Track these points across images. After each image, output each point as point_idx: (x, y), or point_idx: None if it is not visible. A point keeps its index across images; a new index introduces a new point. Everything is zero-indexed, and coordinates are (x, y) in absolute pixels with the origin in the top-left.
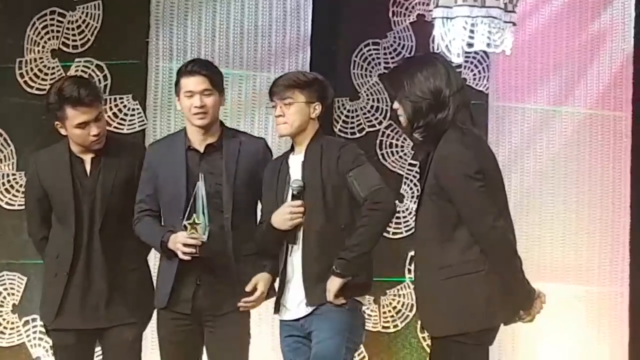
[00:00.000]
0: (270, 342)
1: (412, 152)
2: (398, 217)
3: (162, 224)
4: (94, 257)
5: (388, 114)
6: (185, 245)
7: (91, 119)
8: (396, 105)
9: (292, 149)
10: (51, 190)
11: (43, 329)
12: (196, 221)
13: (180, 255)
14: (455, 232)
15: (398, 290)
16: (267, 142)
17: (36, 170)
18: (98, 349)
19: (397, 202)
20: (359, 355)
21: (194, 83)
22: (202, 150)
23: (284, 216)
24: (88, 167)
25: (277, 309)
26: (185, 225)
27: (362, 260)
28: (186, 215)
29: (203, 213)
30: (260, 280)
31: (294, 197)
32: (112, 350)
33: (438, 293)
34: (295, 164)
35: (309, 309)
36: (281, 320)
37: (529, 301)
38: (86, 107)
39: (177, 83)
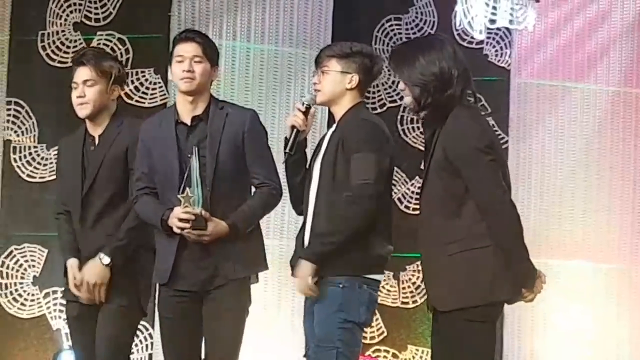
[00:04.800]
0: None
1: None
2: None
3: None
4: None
5: None
6: (180, 220)
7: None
8: (401, 85)
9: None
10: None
11: (63, 301)
12: (189, 194)
13: (175, 230)
14: (462, 207)
15: (417, 265)
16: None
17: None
18: None
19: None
20: (378, 330)
21: (185, 49)
22: (189, 123)
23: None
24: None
25: (294, 273)
26: (179, 199)
27: (330, 249)
28: (180, 189)
29: (197, 186)
30: (215, 224)
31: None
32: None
33: (445, 268)
34: (329, 134)
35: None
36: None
37: (532, 279)
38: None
39: (171, 52)
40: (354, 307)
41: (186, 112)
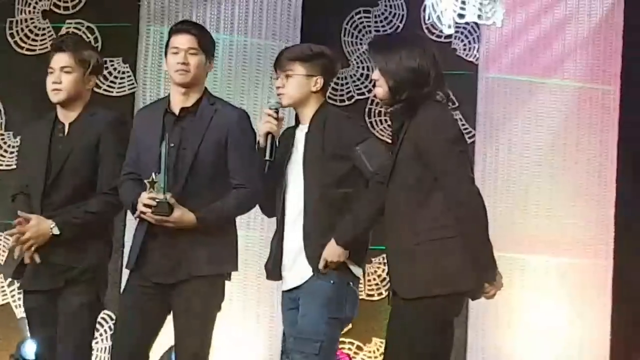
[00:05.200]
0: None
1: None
2: None
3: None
4: None
5: None
6: (144, 205)
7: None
8: (376, 75)
9: (299, 120)
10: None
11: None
12: (154, 179)
13: (137, 213)
14: (429, 198)
15: (383, 258)
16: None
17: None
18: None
19: None
20: None
21: (180, 40)
22: (177, 113)
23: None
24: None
25: (270, 275)
26: (145, 184)
27: (368, 232)
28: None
29: (164, 173)
30: (181, 212)
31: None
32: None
33: (411, 257)
34: (301, 135)
35: (299, 281)
36: (282, 292)
37: (494, 273)
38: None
39: (167, 43)
40: (342, 303)
41: (177, 102)
